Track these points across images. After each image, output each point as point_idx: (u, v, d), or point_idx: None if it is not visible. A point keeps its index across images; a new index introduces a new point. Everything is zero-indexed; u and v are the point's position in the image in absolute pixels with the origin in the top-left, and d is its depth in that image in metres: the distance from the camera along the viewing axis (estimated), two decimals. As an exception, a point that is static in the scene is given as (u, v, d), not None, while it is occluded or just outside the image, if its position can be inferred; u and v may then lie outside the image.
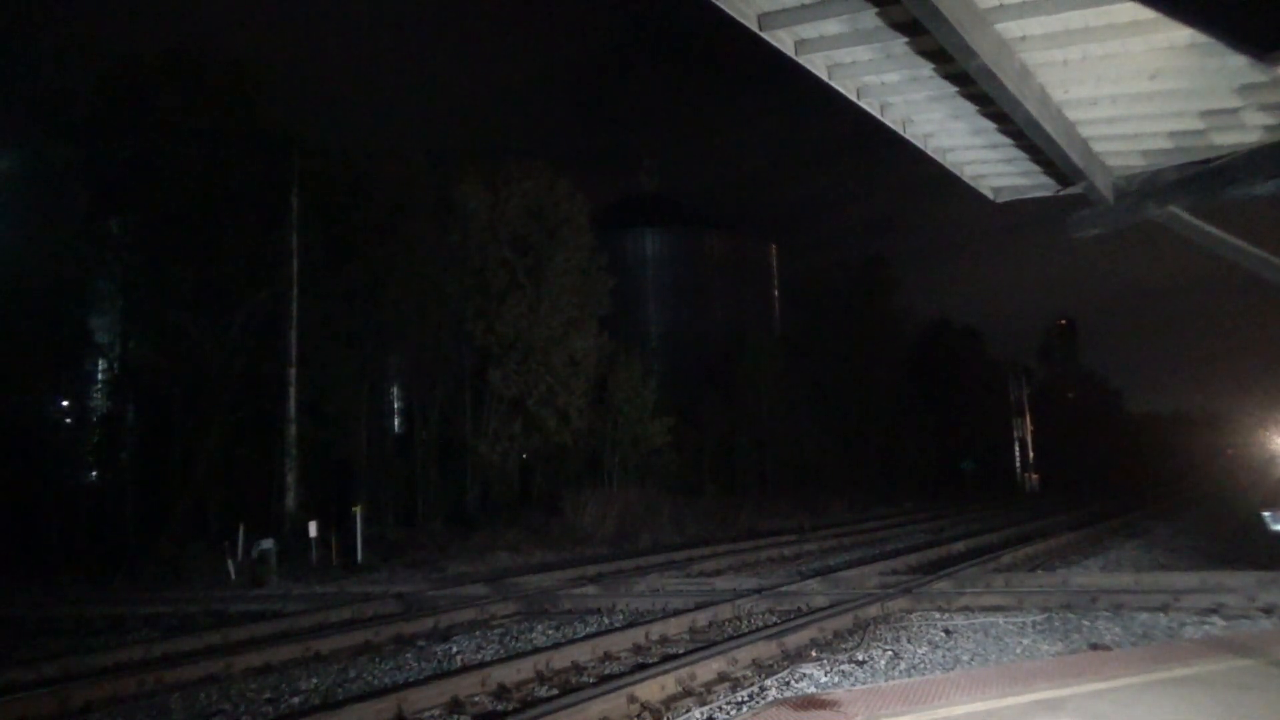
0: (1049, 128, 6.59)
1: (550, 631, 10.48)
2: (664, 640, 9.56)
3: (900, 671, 7.54)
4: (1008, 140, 7.70)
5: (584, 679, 8.00)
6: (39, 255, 21.87)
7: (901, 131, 7.54)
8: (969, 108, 7.09)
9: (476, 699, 7.38)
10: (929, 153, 8.00)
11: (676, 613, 10.75)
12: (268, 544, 17.33)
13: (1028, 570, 14.93)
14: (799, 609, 10.95)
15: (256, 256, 22.96)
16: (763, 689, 7.17)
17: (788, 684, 7.28)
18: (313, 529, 18.81)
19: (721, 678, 7.58)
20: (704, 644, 8.97)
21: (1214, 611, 9.59)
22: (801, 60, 6.32)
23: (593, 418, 28.99)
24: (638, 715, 6.60)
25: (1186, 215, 8.11)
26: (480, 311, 27.26)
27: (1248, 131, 7.08)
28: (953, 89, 6.76)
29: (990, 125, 7.40)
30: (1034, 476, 70.71)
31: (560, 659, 8.38)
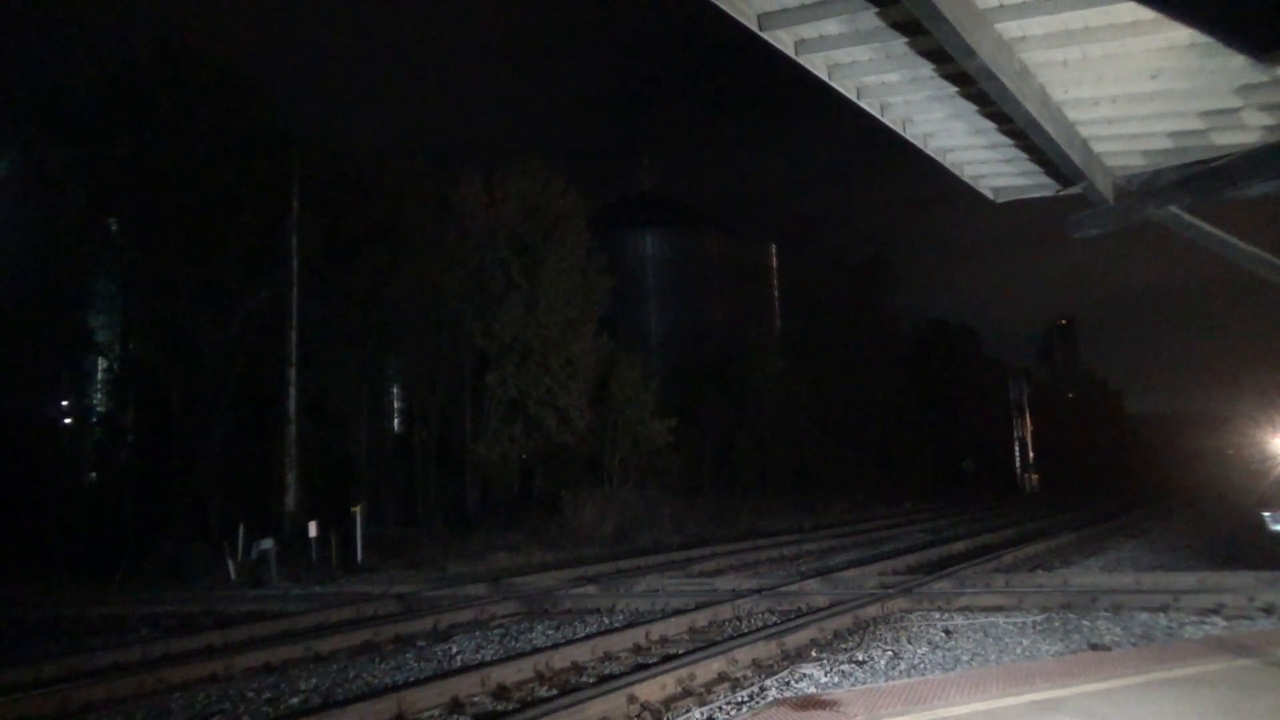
0: (1049, 128, 6.59)
1: (550, 631, 10.48)
2: (664, 640, 9.55)
3: (900, 671, 7.54)
4: (1008, 140, 7.70)
5: (584, 679, 7.99)
6: (39, 255, 21.87)
7: (901, 131, 7.55)
8: (969, 108, 7.10)
9: (476, 699, 7.38)
10: (929, 153, 8.01)
11: (676, 613, 10.75)
12: (268, 544, 17.32)
13: (1027, 570, 14.92)
14: (799, 609, 10.94)
15: (256, 256, 22.96)
16: (763, 689, 7.16)
17: (788, 684, 7.28)
18: (313, 529, 18.81)
19: (721, 678, 7.58)
20: (704, 644, 8.97)
21: (1214, 611, 9.59)
22: (801, 60, 6.33)
23: (593, 418, 28.97)
24: (638, 715, 6.60)
25: (1186, 215, 8.13)
26: (479, 312, 27.27)
27: (1248, 131, 7.09)
28: (953, 89, 6.77)
29: (990, 125, 7.41)
30: (1034, 476, 70.77)
31: (560, 659, 8.38)
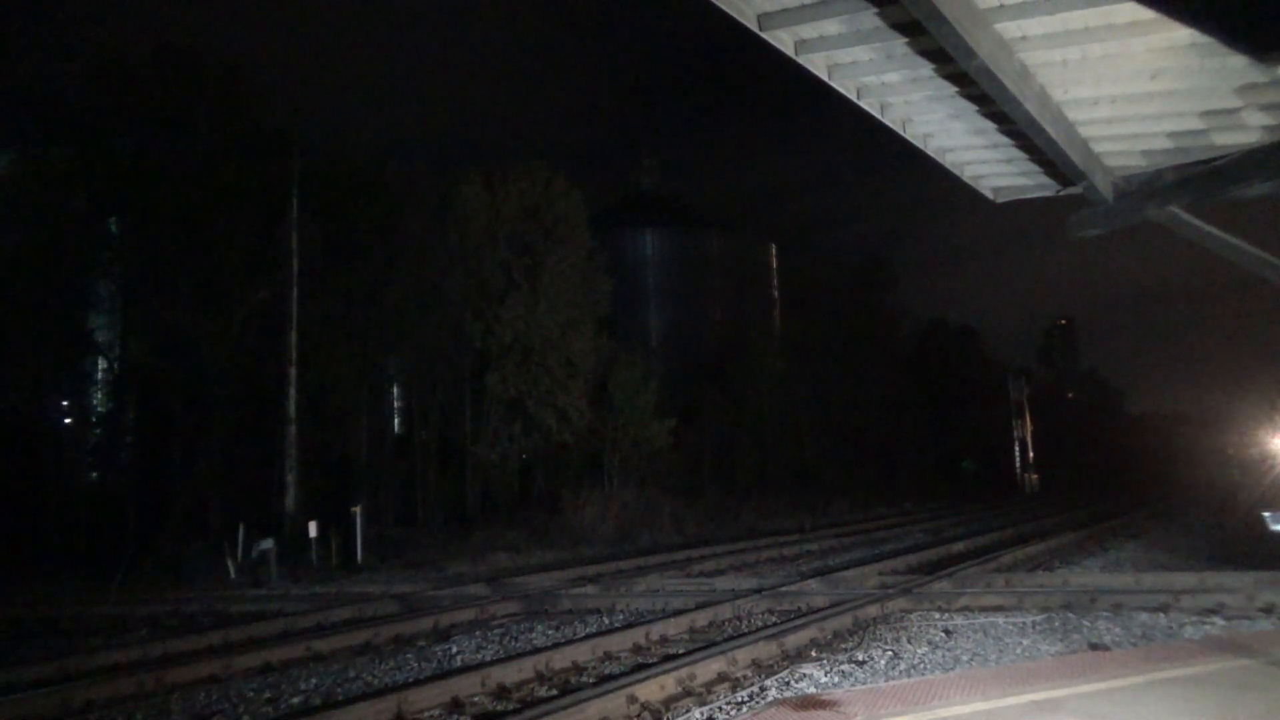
0: (1049, 128, 6.59)
1: (550, 631, 10.48)
2: (664, 640, 9.56)
3: (900, 672, 7.54)
4: (1008, 140, 7.70)
5: (584, 679, 8.00)
6: (38, 255, 21.86)
7: (901, 131, 7.55)
8: (969, 108, 7.09)
9: (476, 699, 7.38)
10: (929, 153, 8.00)
11: (676, 613, 10.75)
12: (268, 544, 17.32)
13: (1027, 570, 14.92)
14: (799, 609, 10.94)
15: (256, 256, 22.96)
16: (763, 689, 7.17)
17: (788, 684, 7.28)
18: (313, 529, 18.80)
19: (721, 678, 7.58)
20: (704, 644, 8.97)
21: (1214, 611, 9.59)
22: (801, 60, 6.32)
23: (593, 418, 28.99)
24: (638, 715, 6.60)
25: (1186, 215, 8.12)
26: (479, 312, 27.28)
27: (1248, 131, 7.08)
28: (953, 89, 6.77)
29: (990, 125, 7.40)
30: (1034, 477, 70.73)
31: (560, 659, 8.38)
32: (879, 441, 50.69)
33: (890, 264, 59.19)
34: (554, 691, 7.56)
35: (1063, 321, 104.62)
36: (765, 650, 8.34)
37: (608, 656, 8.83)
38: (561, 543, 23.50)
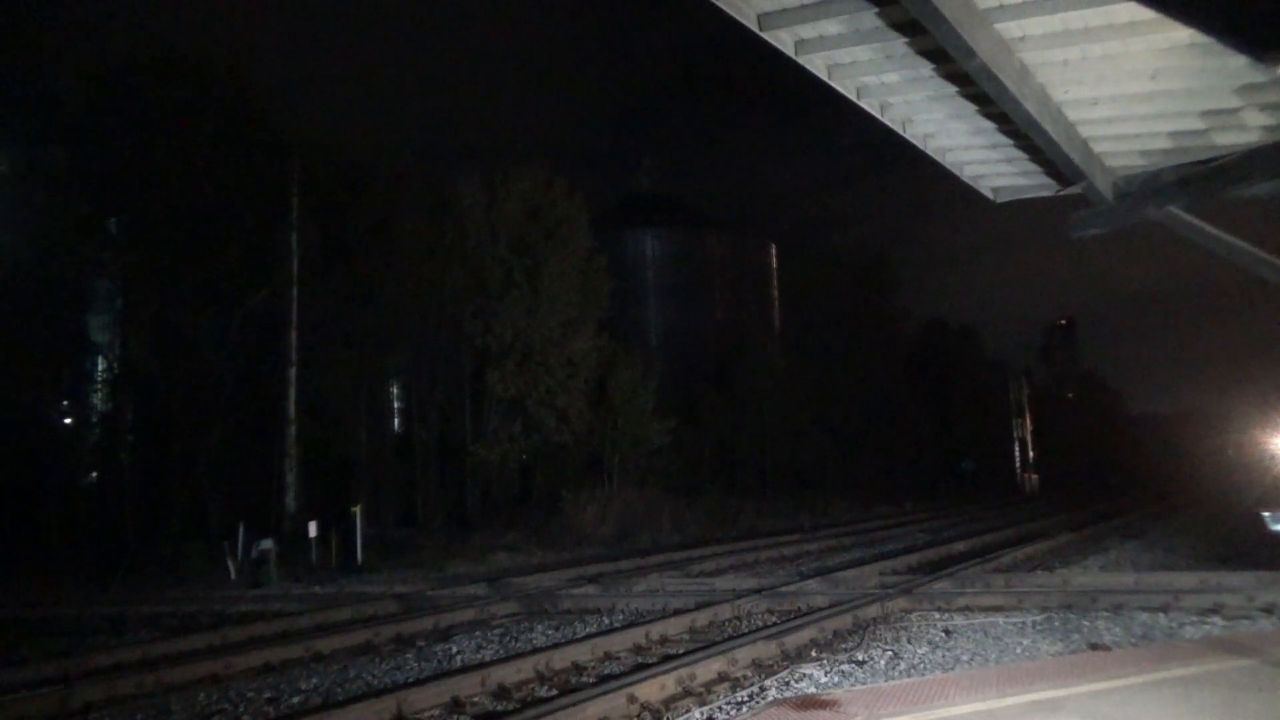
0: (1049, 128, 6.59)
1: (550, 631, 10.48)
2: (664, 640, 9.56)
3: (900, 671, 7.54)
4: (1008, 140, 7.70)
5: (584, 679, 8.00)
6: (37, 255, 21.86)
7: (901, 131, 7.55)
8: (969, 108, 7.10)
9: (476, 699, 7.38)
10: (929, 153, 8.01)
11: (676, 613, 10.75)
12: (268, 544, 17.31)
13: (1027, 570, 14.92)
14: (799, 609, 10.94)
15: (255, 256, 22.93)
16: (763, 689, 7.17)
17: (788, 684, 7.28)
18: (313, 529, 18.79)
19: (721, 678, 7.58)
20: (704, 644, 8.97)
21: (1214, 611, 9.59)
22: (801, 60, 6.33)
23: (592, 418, 28.97)
24: (638, 715, 6.60)
25: (1186, 215, 8.13)
26: (478, 312, 27.26)
27: (1248, 131, 7.09)
28: (953, 89, 6.77)
29: (990, 125, 7.41)
30: (1033, 476, 70.76)
31: (560, 659, 8.38)
32: (879, 441, 50.63)
33: (890, 264, 58.90)
34: (554, 691, 7.56)
35: (1063, 321, 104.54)
36: (765, 650, 8.34)
37: (608, 656, 8.83)
38: (561, 543, 23.51)
